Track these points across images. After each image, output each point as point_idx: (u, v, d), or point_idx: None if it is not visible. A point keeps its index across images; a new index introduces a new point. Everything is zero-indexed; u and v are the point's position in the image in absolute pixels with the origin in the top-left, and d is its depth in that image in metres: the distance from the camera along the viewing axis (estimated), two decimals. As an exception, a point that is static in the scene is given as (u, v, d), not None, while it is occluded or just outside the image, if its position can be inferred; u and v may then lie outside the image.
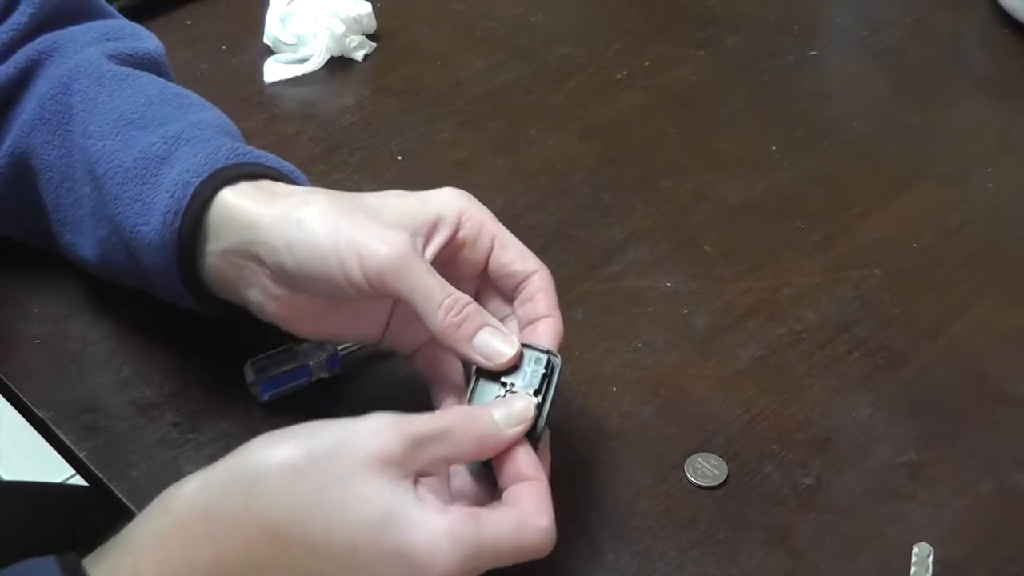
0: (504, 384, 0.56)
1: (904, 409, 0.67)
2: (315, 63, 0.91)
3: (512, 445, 0.53)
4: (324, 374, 0.65)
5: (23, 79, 0.67)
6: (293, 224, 0.57)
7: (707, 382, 0.68)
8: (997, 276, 0.76)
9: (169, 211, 0.59)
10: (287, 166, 0.63)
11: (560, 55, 0.94)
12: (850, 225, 0.79)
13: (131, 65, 0.68)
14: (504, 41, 0.95)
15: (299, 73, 0.90)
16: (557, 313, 0.59)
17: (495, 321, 0.57)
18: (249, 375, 0.64)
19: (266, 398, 0.64)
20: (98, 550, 0.50)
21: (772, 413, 0.66)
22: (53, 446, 0.64)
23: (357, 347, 0.66)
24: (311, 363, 0.65)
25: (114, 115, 0.64)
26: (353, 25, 0.92)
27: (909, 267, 0.76)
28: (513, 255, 0.59)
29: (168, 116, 0.64)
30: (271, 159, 0.63)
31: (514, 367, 0.56)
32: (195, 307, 0.64)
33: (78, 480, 0.65)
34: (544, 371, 0.56)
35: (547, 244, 0.76)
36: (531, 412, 0.54)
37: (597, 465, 0.63)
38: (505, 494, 0.53)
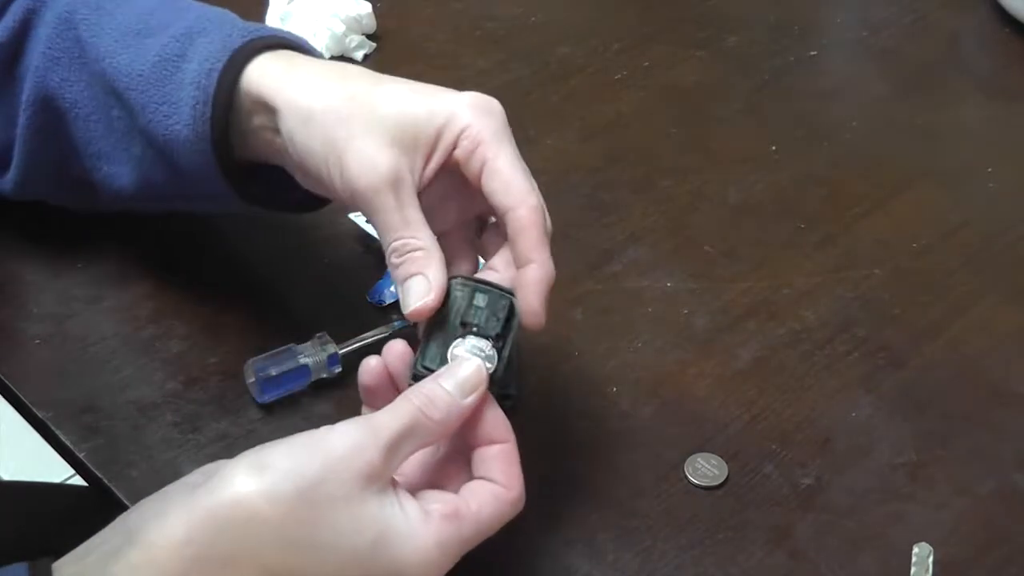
0: (465, 325, 0.55)
1: (904, 409, 0.67)
2: (315, 63, 0.91)
3: (480, 406, 0.53)
4: (324, 374, 0.65)
5: (23, 30, 0.67)
6: (298, 117, 0.57)
7: (707, 382, 0.68)
8: (997, 276, 0.76)
9: (198, 102, 0.60)
10: (302, 40, 0.64)
11: (560, 55, 0.94)
12: (850, 225, 0.79)
13: None
14: (504, 41, 0.95)
15: (299, 73, 0.90)
16: (541, 256, 0.55)
17: (436, 271, 0.55)
18: (249, 375, 0.64)
19: (266, 398, 0.64)
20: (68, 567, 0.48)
21: (772, 413, 0.66)
22: (53, 446, 0.64)
23: (357, 347, 0.66)
24: (311, 363, 0.65)
25: (120, 31, 0.64)
26: (353, 25, 0.92)
27: (909, 267, 0.76)
28: (497, 185, 0.56)
29: (173, 18, 0.64)
30: (285, 32, 0.63)
31: (479, 308, 0.55)
32: (238, 206, 0.64)
33: (78, 480, 0.65)
34: (504, 316, 0.55)
35: (547, 244, 0.76)
36: (481, 375, 0.53)
37: (597, 465, 0.63)
38: (475, 459, 0.53)
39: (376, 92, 0.58)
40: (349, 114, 0.56)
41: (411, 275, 0.55)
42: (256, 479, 0.48)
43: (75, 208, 0.72)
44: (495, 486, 0.52)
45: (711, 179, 0.82)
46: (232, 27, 0.62)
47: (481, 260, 0.61)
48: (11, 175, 0.69)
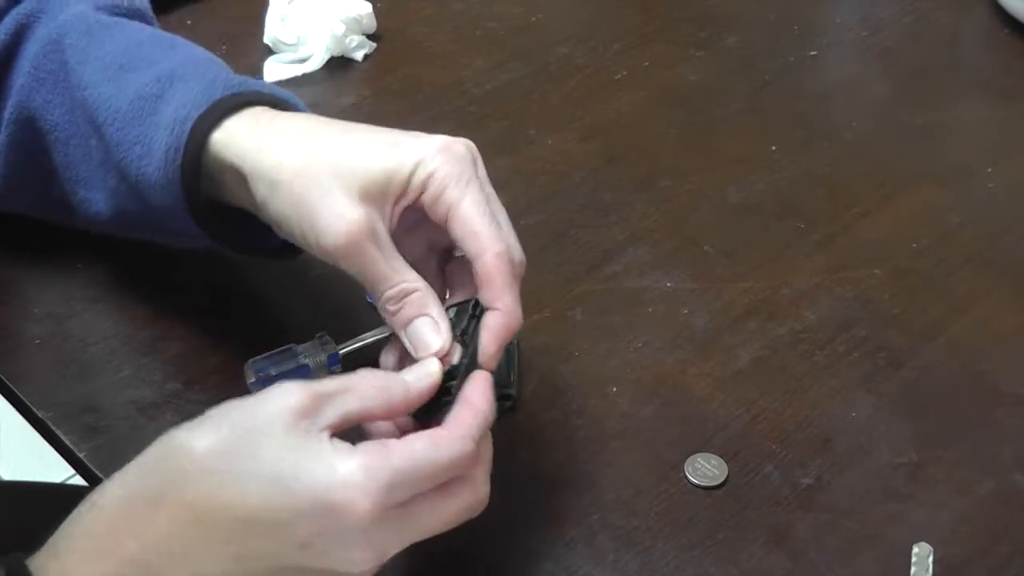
0: None
1: (904, 409, 0.67)
2: (315, 63, 0.91)
3: (479, 382, 0.53)
4: (324, 374, 0.65)
5: (13, 44, 0.67)
6: (266, 184, 0.57)
7: (707, 382, 0.68)
8: (997, 276, 0.76)
9: (170, 148, 0.60)
10: (285, 93, 0.63)
11: (560, 55, 0.94)
12: (850, 225, 0.79)
13: (119, 16, 0.69)
14: (504, 41, 0.95)
15: (299, 73, 0.90)
16: (504, 301, 0.55)
17: (436, 311, 0.55)
18: (249, 375, 0.64)
19: (266, 398, 0.64)
20: (36, 554, 0.49)
21: (772, 413, 0.66)
22: (53, 446, 0.64)
23: (357, 347, 0.66)
24: (311, 363, 0.65)
25: (104, 61, 0.64)
26: (353, 25, 0.92)
27: (909, 267, 0.76)
28: (461, 231, 0.55)
29: (159, 56, 0.64)
30: (266, 86, 0.63)
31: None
32: (211, 245, 0.64)
33: (78, 480, 0.65)
34: (471, 313, 0.56)
35: (547, 244, 0.76)
36: (434, 367, 0.53)
37: (597, 465, 0.63)
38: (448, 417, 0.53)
39: (341, 147, 0.57)
40: (316, 174, 0.56)
41: (413, 317, 0.55)
42: (186, 430, 0.49)
43: (57, 223, 0.71)
44: (434, 429, 0.51)
45: (711, 179, 0.82)
46: (215, 77, 0.62)
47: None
48: None
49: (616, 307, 0.72)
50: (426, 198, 0.56)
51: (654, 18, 1.00)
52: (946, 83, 0.95)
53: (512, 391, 0.64)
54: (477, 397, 0.53)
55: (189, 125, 0.59)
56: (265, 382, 0.64)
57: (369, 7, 0.93)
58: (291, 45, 0.91)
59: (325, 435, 0.49)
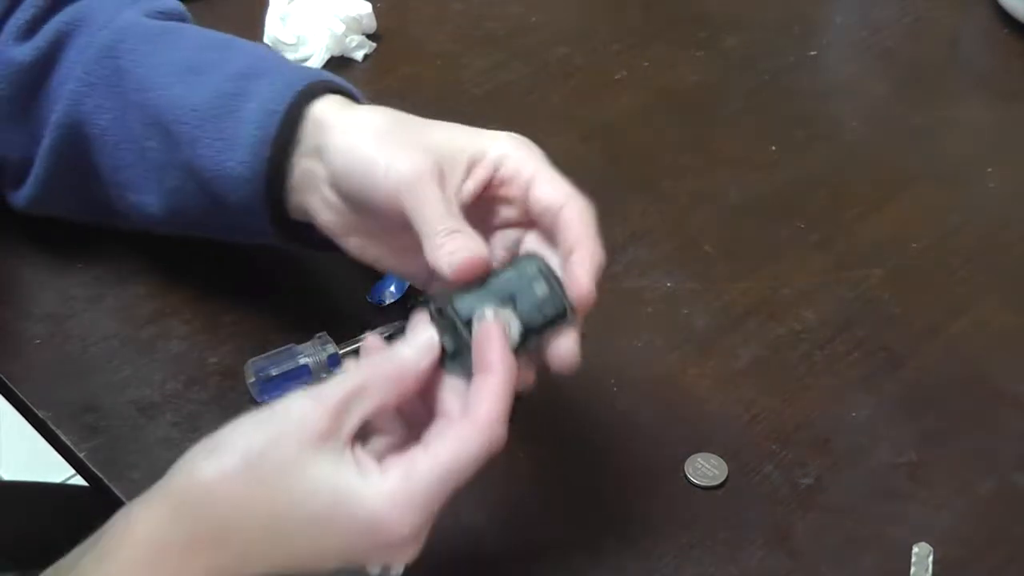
0: (512, 298, 0.54)
1: (904, 409, 0.67)
2: (315, 63, 0.91)
3: (487, 334, 0.53)
4: (324, 374, 0.65)
5: (53, 52, 0.67)
6: (349, 134, 0.59)
7: (707, 382, 0.68)
8: (997, 276, 0.76)
9: (258, 141, 0.61)
10: (353, 88, 0.65)
11: (560, 55, 0.94)
12: (850, 225, 0.79)
13: (167, 20, 0.70)
14: (504, 41, 0.95)
15: (299, 73, 0.90)
16: (589, 241, 0.56)
17: (480, 243, 0.55)
18: (249, 375, 0.64)
19: (266, 398, 0.64)
20: None
21: (772, 413, 0.66)
22: (53, 446, 0.64)
23: (357, 347, 0.66)
24: (311, 363, 0.65)
25: (172, 66, 0.65)
26: (353, 25, 0.92)
27: (909, 267, 0.76)
28: (547, 188, 0.58)
29: (226, 58, 0.66)
30: (340, 80, 0.65)
31: (534, 296, 0.54)
32: (275, 240, 0.65)
33: (78, 480, 0.65)
34: (549, 317, 0.55)
35: (547, 244, 0.76)
36: (435, 341, 0.53)
37: (597, 465, 0.63)
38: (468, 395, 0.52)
39: (425, 123, 0.59)
40: (399, 129, 0.58)
41: (457, 247, 0.55)
42: (208, 459, 0.49)
43: (96, 224, 0.71)
44: (458, 422, 0.51)
45: (711, 179, 0.82)
46: (291, 70, 0.64)
47: None
48: (27, 191, 0.70)
49: (616, 307, 0.72)
50: (504, 174, 0.58)
51: (654, 18, 1.00)
52: (946, 83, 0.95)
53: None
54: (496, 363, 0.52)
55: (277, 118, 0.61)
56: (265, 382, 0.64)
57: (369, 7, 0.93)
58: (291, 45, 0.91)
59: (348, 451, 0.49)
